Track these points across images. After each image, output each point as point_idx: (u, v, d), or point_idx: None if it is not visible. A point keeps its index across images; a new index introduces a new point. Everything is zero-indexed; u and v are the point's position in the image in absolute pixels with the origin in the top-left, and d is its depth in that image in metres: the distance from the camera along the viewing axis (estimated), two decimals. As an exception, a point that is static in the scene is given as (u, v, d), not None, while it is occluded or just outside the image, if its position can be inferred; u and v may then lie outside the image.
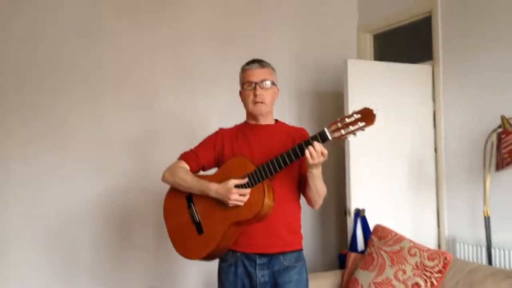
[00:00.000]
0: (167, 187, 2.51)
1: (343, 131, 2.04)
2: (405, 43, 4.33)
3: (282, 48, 4.10)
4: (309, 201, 2.40)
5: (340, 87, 3.76)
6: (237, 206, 2.23)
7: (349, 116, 2.03)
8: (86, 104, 3.47)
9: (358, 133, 2.03)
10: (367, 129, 2.01)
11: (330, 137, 2.08)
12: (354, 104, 3.55)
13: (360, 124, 2.01)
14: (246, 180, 2.22)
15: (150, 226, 3.62)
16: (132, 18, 3.64)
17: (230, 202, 2.22)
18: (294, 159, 2.16)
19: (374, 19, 4.37)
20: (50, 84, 3.38)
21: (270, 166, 2.18)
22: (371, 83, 3.68)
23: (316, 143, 2.09)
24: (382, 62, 3.95)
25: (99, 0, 3.55)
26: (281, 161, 2.17)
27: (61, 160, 3.39)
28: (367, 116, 2.00)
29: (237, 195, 2.21)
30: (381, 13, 4.28)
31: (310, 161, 2.11)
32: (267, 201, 2.20)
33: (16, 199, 3.27)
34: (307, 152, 2.09)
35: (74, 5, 3.47)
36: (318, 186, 2.29)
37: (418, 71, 3.85)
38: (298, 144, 2.15)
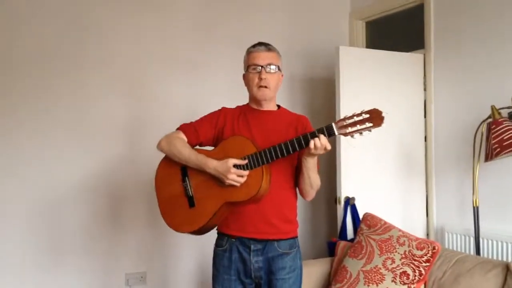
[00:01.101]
0: (155, 169, 2.49)
1: (350, 129, 2.05)
2: (397, 31, 4.30)
3: (272, 33, 4.00)
4: (302, 192, 2.40)
5: (331, 73, 3.74)
6: (233, 186, 2.23)
7: (358, 115, 2.04)
8: (70, 89, 3.43)
9: (365, 133, 2.03)
10: (374, 130, 2.01)
11: (336, 133, 2.08)
12: (345, 91, 3.59)
13: (368, 124, 2.02)
14: (245, 161, 2.22)
15: (141, 209, 3.62)
16: (115, 3, 3.58)
17: (227, 181, 2.22)
18: (297, 149, 2.16)
19: (366, 6, 4.34)
20: (35, 71, 3.33)
21: (272, 152, 2.18)
22: (363, 71, 3.67)
23: (322, 136, 2.09)
24: (374, 50, 3.92)
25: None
26: (284, 149, 2.16)
27: (46, 144, 3.36)
28: (376, 117, 2.01)
29: (235, 175, 2.20)
30: (374, 0, 4.25)
31: (312, 151, 2.11)
32: (264, 185, 2.21)
33: (2, 182, 3.25)
34: (311, 142, 2.09)
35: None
36: (312, 176, 2.29)
37: (409, 60, 3.83)
38: (304, 135, 2.14)
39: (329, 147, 2.11)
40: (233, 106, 2.50)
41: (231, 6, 3.98)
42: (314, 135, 2.10)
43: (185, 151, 2.34)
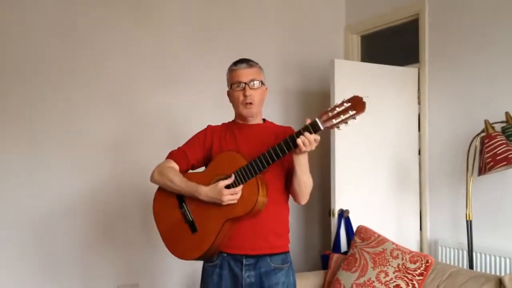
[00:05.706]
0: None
1: (334, 120, 2.05)
2: (392, 45, 4.34)
3: (268, 47, 4.08)
4: (296, 196, 2.36)
5: (326, 87, 3.75)
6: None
7: (339, 105, 2.04)
8: (60, 103, 3.41)
9: (350, 121, 2.03)
10: (358, 117, 2.02)
11: (322, 127, 2.08)
12: (340, 105, 3.59)
13: (351, 112, 2.01)
14: (233, 178, 2.20)
15: (132, 224, 3.60)
16: (107, 14, 3.58)
17: (223, 203, 2.20)
18: (286, 151, 2.14)
19: (361, 20, 4.37)
20: (26, 84, 3.31)
21: (263, 159, 2.16)
22: (358, 84, 3.66)
23: (307, 134, 2.09)
24: (369, 64, 3.95)
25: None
26: (273, 154, 2.14)
27: (36, 160, 3.33)
28: (357, 104, 2.01)
29: (229, 195, 2.19)
30: (369, 15, 4.29)
31: (303, 148, 2.11)
32: (261, 198, 2.19)
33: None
34: (299, 141, 2.08)
35: (48, 2, 3.38)
36: (306, 176, 2.27)
37: (404, 74, 3.86)
38: (290, 136, 2.13)
39: (318, 138, 2.11)
40: (219, 123, 2.50)
41: (225, 19, 3.99)
42: (299, 134, 2.10)
43: (176, 181, 2.32)
